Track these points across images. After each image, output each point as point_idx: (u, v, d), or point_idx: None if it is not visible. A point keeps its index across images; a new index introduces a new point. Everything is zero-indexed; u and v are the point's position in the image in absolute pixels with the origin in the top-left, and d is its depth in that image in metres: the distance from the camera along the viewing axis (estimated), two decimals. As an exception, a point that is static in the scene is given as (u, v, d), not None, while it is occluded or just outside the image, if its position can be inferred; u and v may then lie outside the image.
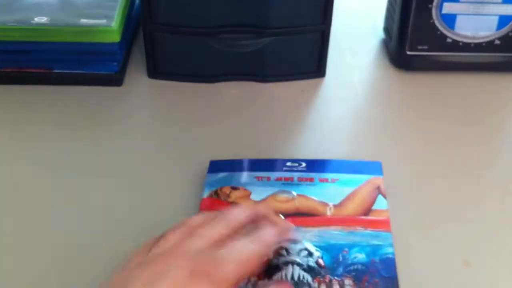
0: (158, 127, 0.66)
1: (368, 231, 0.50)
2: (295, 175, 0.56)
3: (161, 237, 0.42)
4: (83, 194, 0.56)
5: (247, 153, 0.60)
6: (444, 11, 0.69)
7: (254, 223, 0.45)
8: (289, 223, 0.49)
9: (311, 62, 0.73)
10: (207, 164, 0.58)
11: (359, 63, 0.76)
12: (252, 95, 0.70)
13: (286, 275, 0.46)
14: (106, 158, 0.61)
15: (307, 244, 0.49)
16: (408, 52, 0.72)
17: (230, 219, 0.43)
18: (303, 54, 0.72)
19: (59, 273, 0.49)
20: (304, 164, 0.57)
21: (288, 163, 0.57)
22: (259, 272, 0.44)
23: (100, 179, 0.58)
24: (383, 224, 0.51)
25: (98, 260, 0.50)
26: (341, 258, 0.48)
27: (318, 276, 0.46)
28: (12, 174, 0.59)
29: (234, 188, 0.55)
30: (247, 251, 0.41)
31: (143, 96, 0.71)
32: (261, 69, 0.72)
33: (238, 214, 0.45)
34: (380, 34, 0.79)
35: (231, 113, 0.68)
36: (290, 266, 0.47)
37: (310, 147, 0.62)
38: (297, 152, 0.61)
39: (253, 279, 0.46)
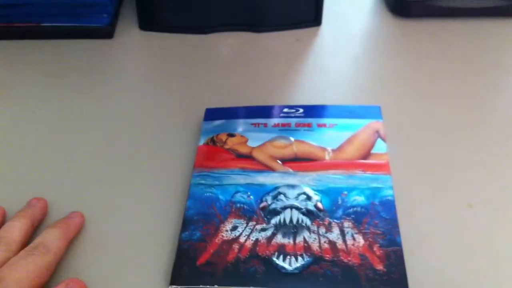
0: (152, 79, 0.64)
1: (368, 174, 0.49)
2: (293, 121, 0.55)
3: None
4: (76, 148, 0.55)
5: (243, 102, 0.59)
6: (444, -48, 0.67)
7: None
8: (76, 216, 0.47)
9: (307, 11, 0.71)
10: (203, 113, 0.57)
11: (356, 11, 0.75)
12: (248, 45, 0.69)
13: (284, 219, 0.46)
14: (99, 112, 0.59)
15: (306, 188, 0.48)
16: (407, -2, 0.70)
17: (4, 237, 0.42)
18: (299, 2, 0.70)
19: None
20: (301, 110, 0.56)
21: (285, 109, 0.56)
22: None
23: (94, 132, 0.57)
24: (383, 167, 0.50)
25: (96, 209, 0.49)
26: (340, 201, 0.47)
27: (317, 219, 0.46)
28: (3, 129, 0.58)
29: (230, 135, 0.54)
30: (32, 265, 0.40)
31: (135, 48, 0.69)
32: (256, 19, 0.70)
33: (11, 233, 0.43)
34: (377, -20, 0.77)
35: (226, 63, 0.66)
36: (288, 210, 0.46)
37: (307, 94, 0.61)
38: (294, 100, 0.60)
39: (251, 223, 0.45)
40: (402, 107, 0.58)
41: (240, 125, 0.55)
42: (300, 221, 0.46)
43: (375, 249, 0.43)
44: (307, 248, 0.43)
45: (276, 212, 0.46)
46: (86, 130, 0.57)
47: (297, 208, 0.46)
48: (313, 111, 0.56)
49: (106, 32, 0.69)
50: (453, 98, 0.59)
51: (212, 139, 0.53)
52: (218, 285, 0.41)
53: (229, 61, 0.66)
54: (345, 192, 0.48)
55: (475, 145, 0.54)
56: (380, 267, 0.42)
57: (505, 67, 0.64)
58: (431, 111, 0.58)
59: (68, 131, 0.57)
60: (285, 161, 0.51)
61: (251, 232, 0.45)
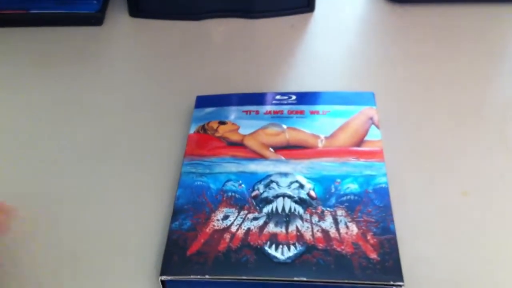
0: (142, 67, 0.63)
1: (361, 161, 0.48)
2: (285, 108, 0.54)
3: None
4: (66, 136, 0.54)
5: (234, 89, 0.58)
6: None
7: None
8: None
9: (300, -4, 0.70)
10: (193, 100, 0.56)
11: (350, -4, 0.74)
12: (240, 31, 0.68)
13: (277, 208, 0.45)
14: (88, 100, 0.58)
15: (298, 176, 0.47)
16: (401, -18, 0.69)
17: None
18: (291, -13, 0.69)
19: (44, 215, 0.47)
20: (294, 97, 0.55)
21: (278, 97, 0.55)
22: None
23: (83, 122, 0.56)
24: (377, 155, 0.49)
25: (85, 198, 0.48)
26: (333, 189, 0.46)
27: (310, 208, 0.45)
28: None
29: (221, 123, 0.53)
30: None
31: (125, 35, 0.68)
32: (249, 5, 0.69)
33: None
34: (371, -35, 0.76)
35: (218, 50, 0.65)
36: (281, 199, 0.46)
37: (300, 81, 0.60)
38: (286, 87, 0.59)
39: (243, 212, 0.45)
40: (396, 93, 0.57)
41: (232, 113, 0.54)
42: (292, 209, 0.45)
43: (368, 237, 0.42)
44: (299, 237, 0.43)
45: (268, 201, 0.45)
46: (75, 119, 0.56)
47: (290, 197, 0.46)
48: (306, 98, 0.55)
49: (96, 19, 0.68)
50: (448, 84, 0.59)
51: (203, 127, 0.52)
52: (209, 275, 0.41)
53: (220, 47, 0.65)
54: (338, 180, 0.47)
55: (470, 131, 0.53)
56: (373, 255, 0.41)
57: (501, 53, 0.63)
58: (425, 97, 0.57)
59: (57, 120, 0.56)
60: (277, 148, 0.50)
61: (242, 221, 0.44)
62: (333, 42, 0.66)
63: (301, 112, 0.53)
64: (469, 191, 0.48)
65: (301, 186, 0.46)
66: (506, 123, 0.54)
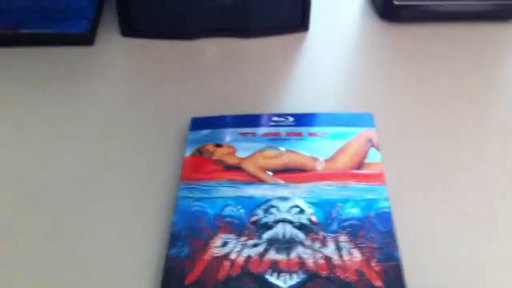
0: (135, 87, 0.61)
1: (362, 185, 0.47)
2: (283, 130, 0.53)
3: None
4: (55, 161, 0.52)
5: (230, 111, 0.57)
6: (433, -44, 0.65)
7: None
8: None
9: (294, 16, 0.69)
10: (188, 122, 0.54)
11: (344, 16, 0.73)
12: (234, 51, 0.67)
13: (277, 234, 0.43)
14: (79, 123, 0.57)
15: (298, 200, 0.46)
16: (395, 2, 0.69)
17: None
18: (285, 7, 0.68)
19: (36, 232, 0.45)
20: (291, 119, 0.54)
21: (275, 118, 0.54)
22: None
23: (74, 144, 0.54)
24: (377, 178, 0.48)
25: (76, 225, 0.46)
26: (334, 214, 0.45)
27: (311, 233, 0.43)
28: (-22, 139, 0.55)
29: (218, 145, 0.51)
30: None
31: (116, 55, 0.67)
32: (242, 24, 0.68)
33: None
34: (365, -15, 0.76)
35: (212, 70, 0.64)
36: (281, 225, 0.44)
37: (297, 101, 0.59)
38: (283, 108, 0.58)
39: (242, 238, 0.43)
40: (395, 114, 0.57)
41: (228, 135, 0.52)
42: (293, 235, 0.43)
43: (372, 264, 0.41)
44: (301, 264, 0.41)
45: (268, 226, 0.44)
46: (65, 142, 0.54)
47: (290, 222, 0.44)
48: (304, 119, 0.54)
49: (86, 39, 0.67)
50: (447, 103, 0.58)
51: (198, 150, 0.51)
52: (209, 306, 0.39)
53: (215, 68, 0.64)
54: (340, 204, 0.46)
55: (472, 151, 0.52)
56: (378, 283, 0.40)
57: (497, 70, 0.63)
58: (425, 117, 0.56)
59: (46, 143, 0.54)
60: (276, 172, 0.49)
61: (242, 248, 0.43)
62: (329, 61, 0.65)
63: (299, 134, 0.52)
64: (472, 212, 0.47)
65: (302, 211, 0.45)
66: (507, 142, 0.53)
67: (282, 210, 0.45)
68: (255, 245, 0.43)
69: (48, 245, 0.45)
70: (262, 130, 0.53)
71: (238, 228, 0.44)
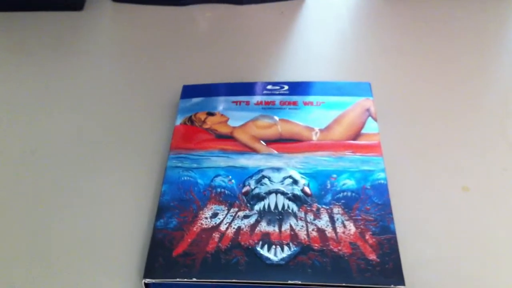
0: (124, 54, 0.59)
1: (358, 156, 0.46)
2: (277, 98, 0.51)
3: None
4: (43, 129, 0.51)
5: (223, 79, 0.55)
6: None
7: None
8: None
9: (291, -18, 0.67)
10: (179, 90, 0.52)
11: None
12: (228, 18, 0.64)
13: (269, 205, 0.42)
14: (67, 90, 0.55)
15: (292, 171, 0.44)
16: (397, -32, 0.66)
17: None
18: (282, -28, 0.66)
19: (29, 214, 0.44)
20: (286, 87, 0.52)
21: (269, 86, 0.52)
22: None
23: (62, 112, 0.52)
24: (374, 148, 0.46)
25: (63, 194, 0.45)
26: (329, 185, 0.43)
27: (305, 205, 0.42)
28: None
29: (210, 114, 0.50)
30: None
31: (106, 21, 0.65)
32: (236, -10, 0.65)
33: None
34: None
35: (205, 37, 0.62)
36: (273, 196, 0.43)
37: (292, 70, 0.57)
38: (278, 76, 0.56)
39: (233, 209, 0.42)
40: (393, 83, 0.55)
41: (220, 103, 0.51)
42: (286, 207, 0.42)
43: (367, 237, 0.40)
44: (293, 236, 0.40)
45: (260, 197, 0.43)
46: (53, 109, 0.53)
47: (283, 193, 0.43)
48: (299, 88, 0.52)
49: (76, 3, 0.64)
50: (447, 75, 0.56)
51: (189, 119, 0.49)
52: (197, 278, 0.38)
53: (208, 34, 0.62)
54: (334, 176, 0.44)
55: (472, 124, 0.51)
56: (372, 256, 0.39)
57: (500, 44, 0.61)
58: (425, 88, 0.54)
59: (34, 110, 0.52)
60: (269, 142, 0.47)
61: (232, 220, 0.41)
62: (326, 29, 0.63)
63: (294, 103, 0.50)
64: (470, 186, 0.45)
65: (295, 182, 0.44)
66: (507, 115, 0.51)
67: (275, 181, 0.44)
68: (246, 217, 0.41)
69: (34, 215, 0.43)
70: (255, 99, 0.51)
71: (229, 199, 0.42)
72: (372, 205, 0.42)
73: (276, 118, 0.49)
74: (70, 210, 0.44)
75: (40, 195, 0.45)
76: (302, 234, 0.40)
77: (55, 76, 0.56)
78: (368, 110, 0.49)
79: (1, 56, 0.59)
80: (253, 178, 0.44)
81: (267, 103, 0.50)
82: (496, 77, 0.56)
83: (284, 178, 0.44)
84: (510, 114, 0.52)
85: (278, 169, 0.45)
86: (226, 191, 0.43)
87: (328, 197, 0.42)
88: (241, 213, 0.42)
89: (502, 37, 0.61)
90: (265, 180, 0.44)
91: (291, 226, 0.41)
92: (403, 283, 0.37)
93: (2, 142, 0.49)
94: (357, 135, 0.47)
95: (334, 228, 0.40)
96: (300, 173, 0.44)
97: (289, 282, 0.37)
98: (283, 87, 0.52)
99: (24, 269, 0.40)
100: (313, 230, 0.40)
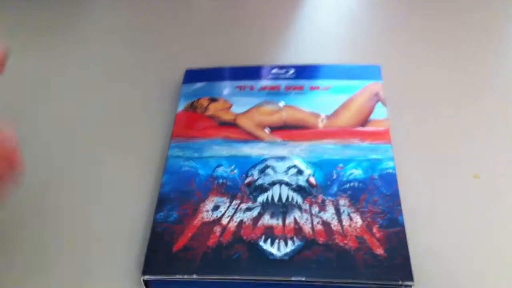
0: (124, 37, 0.58)
1: (366, 143, 0.44)
2: (282, 83, 0.49)
3: None
4: (39, 116, 0.49)
5: (227, 62, 0.53)
6: None
7: None
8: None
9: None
10: (182, 74, 0.51)
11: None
12: (233, -2, 0.62)
13: (272, 197, 0.41)
14: (64, 75, 0.54)
15: (297, 160, 0.43)
16: None
17: None
18: None
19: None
20: (292, 71, 0.50)
21: (274, 70, 0.50)
22: None
23: (59, 99, 0.51)
24: (383, 135, 0.44)
25: (60, 185, 0.44)
26: (335, 175, 0.42)
27: (309, 197, 0.40)
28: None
29: (212, 100, 0.48)
30: None
31: (106, 3, 0.63)
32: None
33: None
34: None
35: (208, 19, 0.60)
36: (277, 186, 0.41)
37: (299, 53, 0.55)
38: (284, 59, 0.54)
39: (235, 201, 0.40)
40: (404, 66, 0.53)
41: (224, 88, 0.49)
42: (290, 198, 0.40)
43: (374, 230, 0.38)
44: (298, 230, 0.38)
45: (263, 189, 0.41)
46: (50, 96, 0.51)
47: (287, 184, 0.41)
48: (305, 71, 0.50)
49: (75, -16, 0.62)
50: (461, 58, 0.54)
51: (192, 105, 0.48)
52: (197, 275, 0.36)
53: (211, 16, 0.60)
54: (341, 165, 0.42)
55: (484, 109, 0.49)
56: (380, 251, 0.37)
57: (509, 20, 0.58)
58: (437, 72, 0.52)
59: (30, 96, 0.51)
60: (274, 129, 0.45)
61: (234, 212, 0.40)
62: (334, 9, 0.61)
63: (300, 87, 0.49)
64: (481, 174, 0.44)
65: (300, 172, 0.42)
66: (524, 99, 0.49)
67: (279, 171, 0.42)
68: (248, 209, 0.40)
69: (27, 206, 0.42)
70: (260, 84, 0.49)
71: (231, 191, 0.41)
72: (380, 196, 0.40)
73: (281, 103, 0.47)
74: (66, 202, 0.43)
75: (33, 187, 0.43)
76: (307, 228, 0.39)
77: (51, 59, 0.55)
78: (377, 94, 0.47)
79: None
80: (257, 168, 0.42)
81: (272, 88, 0.49)
82: (508, 60, 0.53)
83: (289, 168, 0.42)
84: (526, 97, 0.49)
85: (282, 158, 0.43)
86: (228, 182, 0.42)
87: (334, 188, 0.41)
88: (243, 206, 0.40)
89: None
90: (269, 170, 0.42)
91: (295, 219, 0.39)
92: (411, 279, 0.36)
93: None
94: (365, 121, 0.46)
95: (340, 221, 0.39)
96: (305, 162, 0.43)
97: (293, 278, 0.36)
98: (289, 71, 0.50)
99: (18, 263, 0.39)
100: (318, 223, 0.39)
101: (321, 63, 0.52)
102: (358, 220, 0.39)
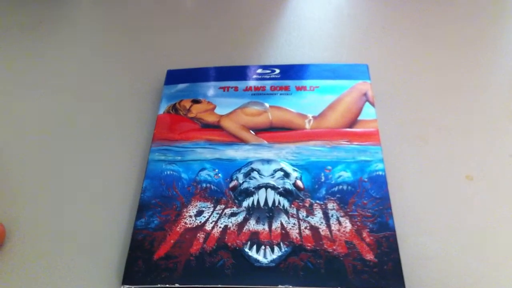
0: (105, 36, 0.56)
1: (354, 145, 0.42)
2: (267, 83, 0.47)
3: None
4: (17, 117, 0.48)
5: (210, 62, 0.51)
6: None
7: None
8: None
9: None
10: (163, 75, 0.49)
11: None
12: (216, -4, 0.61)
13: (258, 201, 0.39)
14: (44, 74, 0.52)
15: (283, 163, 0.41)
16: None
17: None
18: None
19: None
20: (277, 71, 0.48)
21: (259, 70, 0.49)
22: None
23: (38, 99, 0.49)
24: (372, 137, 0.43)
25: (37, 189, 0.42)
26: (323, 178, 0.40)
27: (297, 200, 0.39)
28: None
29: (195, 101, 0.46)
30: None
31: (86, 2, 0.61)
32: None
33: None
34: None
35: (191, 17, 0.58)
36: (263, 190, 0.40)
37: (284, 52, 0.53)
38: (269, 59, 0.52)
39: (219, 206, 0.39)
40: (393, 65, 0.51)
41: (207, 89, 0.47)
42: (276, 202, 0.39)
43: (364, 235, 0.37)
44: (284, 235, 0.37)
45: (248, 193, 0.40)
46: (29, 95, 0.49)
47: (273, 188, 0.40)
48: (291, 71, 0.48)
49: (55, -17, 0.61)
50: (450, 56, 0.52)
51: (174, 107, 0.46)
52: (179, 284, 0.35)
53: (194, 15, 0.58)
54: (329, 167, 0.41)
55: (476, 108, 0.47)
56: (370, 256, 0.36)
57: (504, 22, 0.57)
58: (426, 71, 0.51)
59: (8, 96, 0.49)
60: (259, 131, 0.44)
61: (219, 218, 0.38)
62: (320, 6, 0.59)
63: (286, 88, 0.47)
64: (474, 175, 0.42)
65: (287, 175, 0.40)
66: (515, 98, 0.48)
67: (265, 174, 0.40)
68: (233, 214, 0.38)
69: (4, 212, 0.40)
70: (245, 84, 0.48)
71: (215, 195, 0.39)
72: (370, 199, 0.39)
73: (267, 104, 0.46)
74: (42, 206, 0.41)
75: (7, 193, 0.42)
76: (294, 233, 0.37)
77: (31, 58, 0.53)
78: (365, 94, 0.46)
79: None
80: (242, 171, 0.41)
81: (256, 88, 0.47)
82: (501, 59, 0.52)
83: (275, 171, 0.41)
84: (517, 96, 0.48)
85: (268, 161, 0.41)
86: (212, 186, 0.40)
87: (322, 191, 0.39)
88: (228, 211, 0.39)
89: (506, 16, 0.58)
90: (254, 174, 0.41)
91: (282, 224, 0.38)
92: (403, 285, 0.34)
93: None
94: (353, 122, 0.44)
95: (329, 226, 0.37)
96: (292, 165, 0.41)
97: (280, 286, 0.34)
98: (274, 71, 0.49)
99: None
100: (305, 228, 0.37)
101: (307, 62, 0.51)
102: (347, 224, 0.38)
